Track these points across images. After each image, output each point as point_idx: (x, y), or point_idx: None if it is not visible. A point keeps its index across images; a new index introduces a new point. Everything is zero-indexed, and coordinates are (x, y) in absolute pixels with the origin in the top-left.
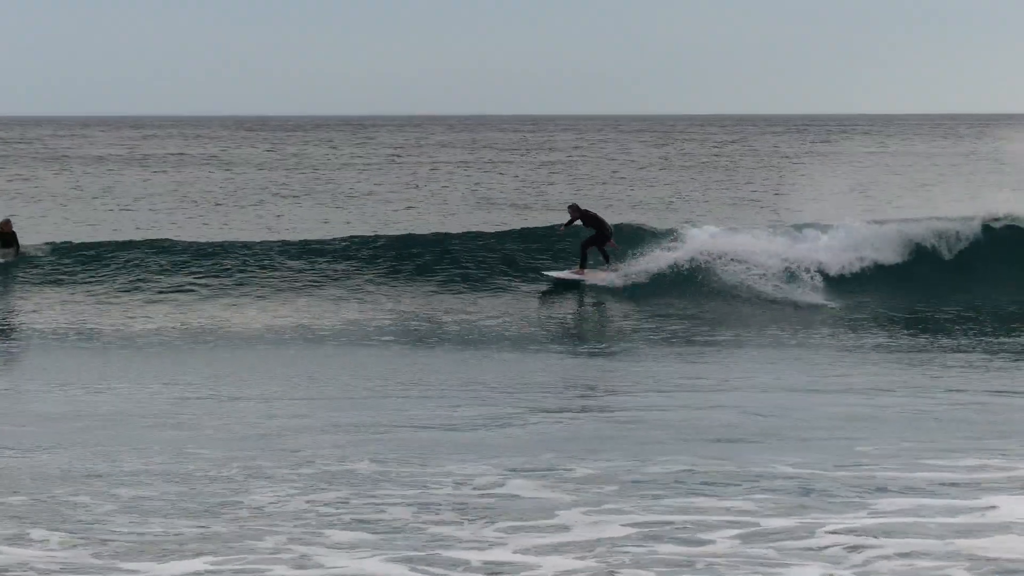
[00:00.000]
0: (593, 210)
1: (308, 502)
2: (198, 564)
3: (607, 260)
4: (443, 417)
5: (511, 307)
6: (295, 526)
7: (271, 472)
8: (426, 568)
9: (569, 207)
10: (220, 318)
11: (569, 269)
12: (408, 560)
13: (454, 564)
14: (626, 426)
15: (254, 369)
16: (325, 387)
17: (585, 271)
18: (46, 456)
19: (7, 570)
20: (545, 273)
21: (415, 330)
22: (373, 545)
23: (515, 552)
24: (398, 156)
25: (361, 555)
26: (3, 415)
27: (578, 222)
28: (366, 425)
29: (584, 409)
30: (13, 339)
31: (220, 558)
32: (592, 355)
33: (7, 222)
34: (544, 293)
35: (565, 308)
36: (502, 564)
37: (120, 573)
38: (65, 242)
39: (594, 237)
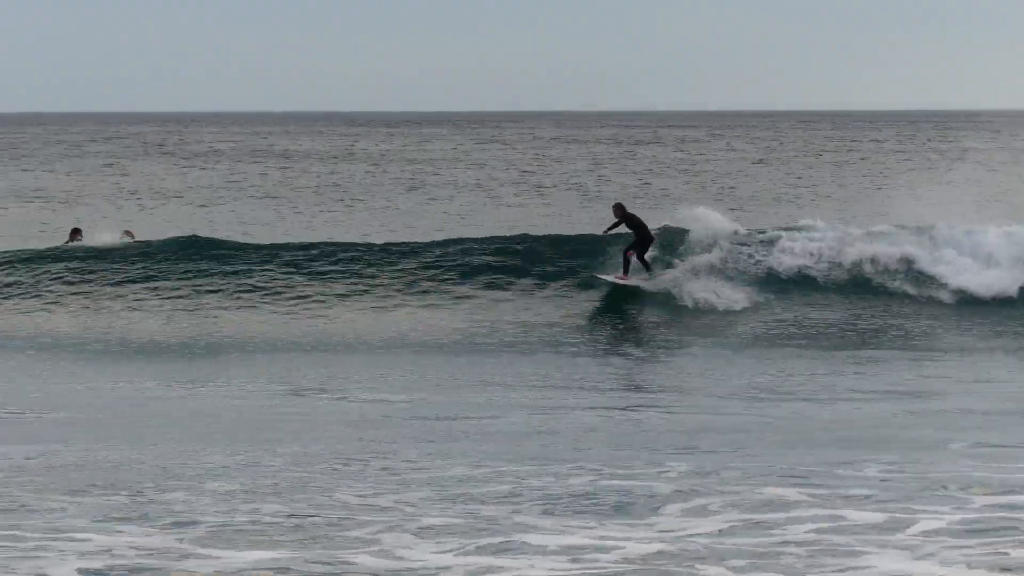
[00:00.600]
0: (638, 215)
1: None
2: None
3: (647, 269)
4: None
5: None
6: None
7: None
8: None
9: (613, 207)
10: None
11: (614, 274)
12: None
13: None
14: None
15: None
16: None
17: (627, 276)
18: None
19: (107, 552)
20: (597, 276)
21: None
22: (459, 534)
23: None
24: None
25: (442, 548)
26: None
27: (621, 228)
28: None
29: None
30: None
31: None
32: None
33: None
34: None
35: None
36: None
37: (201, 559)
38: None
39: (635, 243)
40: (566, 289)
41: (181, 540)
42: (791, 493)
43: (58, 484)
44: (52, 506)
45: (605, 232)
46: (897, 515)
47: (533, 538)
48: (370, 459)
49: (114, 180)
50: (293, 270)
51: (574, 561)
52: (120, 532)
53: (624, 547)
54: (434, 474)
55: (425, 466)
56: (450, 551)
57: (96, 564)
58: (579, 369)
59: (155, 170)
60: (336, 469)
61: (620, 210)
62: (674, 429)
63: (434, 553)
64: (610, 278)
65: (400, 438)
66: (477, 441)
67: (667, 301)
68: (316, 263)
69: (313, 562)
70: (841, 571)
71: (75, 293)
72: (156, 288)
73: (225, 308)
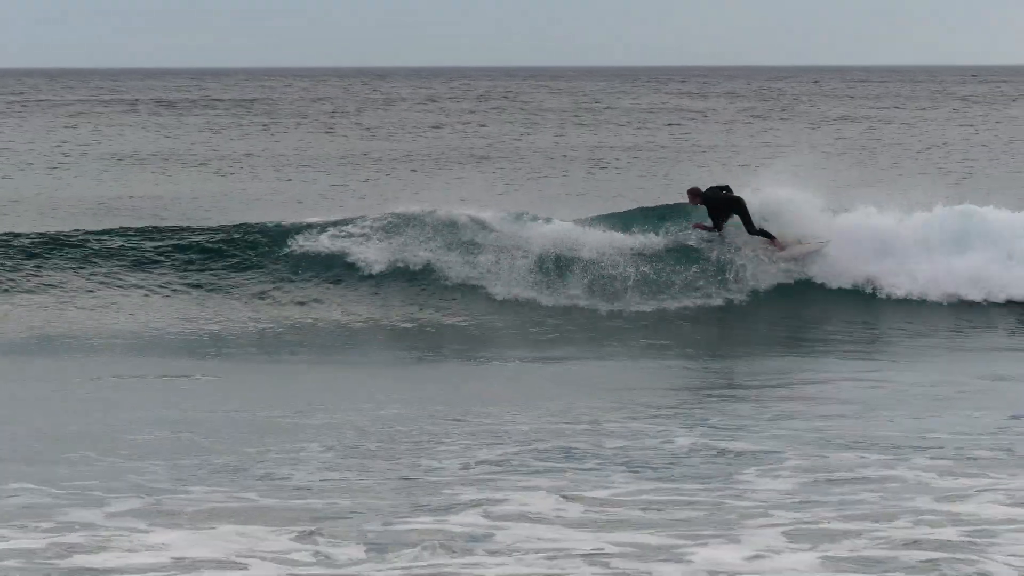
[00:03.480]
0: (716, 186)
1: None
2: None
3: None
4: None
5: None
6: None
7: None
8: None
9: (688, 192)
10: None
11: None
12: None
13: None
14: None
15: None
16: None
17: (776, 240)
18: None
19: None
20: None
21: None
22: None
23: None
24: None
25: None
26: None
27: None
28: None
29: None
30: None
31: None
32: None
33: None
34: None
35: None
36: None
37: None
38: None
39: (745, 216)
40: None
41: None
42: None
43: None
44: None
45: (719, 230)
46: None
47: None
48: None
49: None
50: None
51: None
52: None
53: None
54: None
55: None
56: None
57: None
58: None
59: None
60: None
61: (696, 195)
62: None
63: None
64: (783, 254)
65: None
66: None
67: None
68: None
69: None
70: None
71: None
72: None
73: None
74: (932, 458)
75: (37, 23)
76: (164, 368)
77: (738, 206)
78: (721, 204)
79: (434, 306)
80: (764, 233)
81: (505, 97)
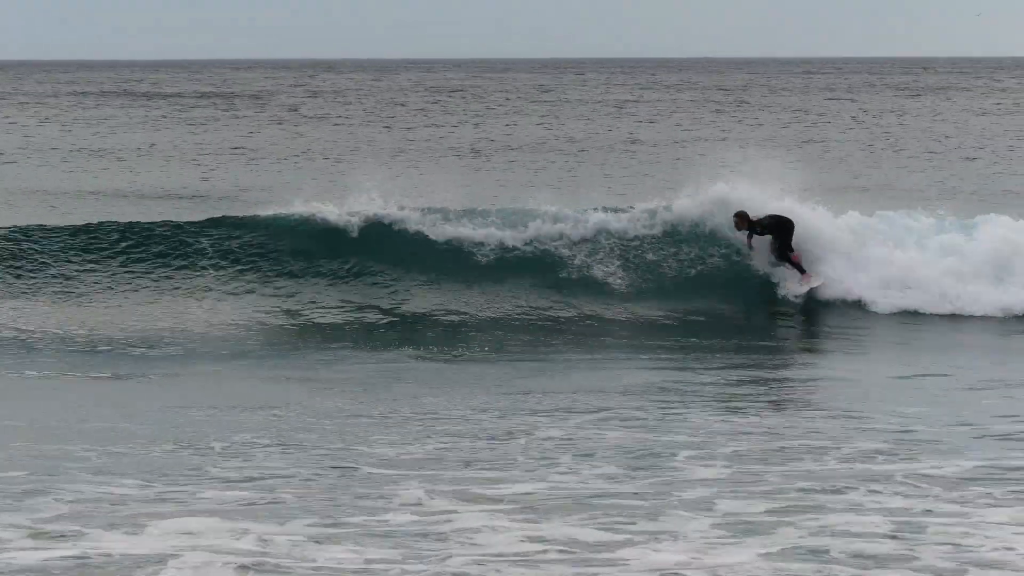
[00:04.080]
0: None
1: None
2: None
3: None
4: None
5: None
6: None
7: None
8: None
9: (736, 215)
10: None
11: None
12: None
13: None
14: None
15: None
16: None
17: (810, 275)
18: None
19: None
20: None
21: None
22: None
23: None
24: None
25: None
26: None
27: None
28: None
29: None
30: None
31: None
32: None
33: None
34: None
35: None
36: None
37: None
38: None
39: (785, 242)
40: None
41: None
42: None
43: None
44: None
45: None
46: None
47: None
48: None
49: None
50: None
51: None
52: None
53: None
54: None
55: None
56: None
57: None
58: None
59: None
60: None
61: (744, 220)
62: None
63: None
64: (805, 286)
65: None
66: None
67: None
68: None
69: None
70: None
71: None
72: None
73: None
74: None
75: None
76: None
77: (784, 229)
78: (771, 227)
79: None
80: (797, 265)
81: (459, 90)
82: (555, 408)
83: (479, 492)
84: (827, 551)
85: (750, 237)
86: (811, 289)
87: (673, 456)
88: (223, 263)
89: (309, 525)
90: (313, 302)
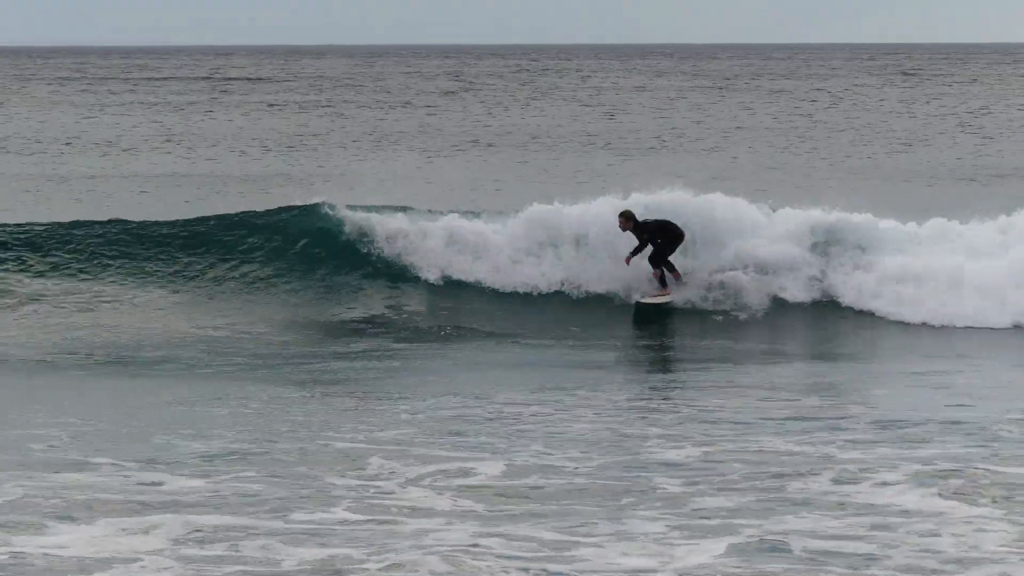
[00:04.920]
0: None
1: None
2: None
3: (672, 271)
4: None
5: None
6: None
7: None
8: None
9: (620, 215)
10: None
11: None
12: None
13: None
14: None
15: None
16: None
17: (668, 289)
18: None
19: None
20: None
21: None
22: None
23: None
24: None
25: None
26: None
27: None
28: None
29: None
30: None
31: None
32: None
33: None
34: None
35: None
36: None
37: None
38: None
39: (666, 250)
40: None
41: None
42: None
43: None
44: None
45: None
46: None
47: None
48: None
49: None
50: None
51: None
52: None
53: None
54: None
55: None
56: None
57: None
58: None
59: None
60: None
61: (629, 220)
62: None
63: None
64: (652, 300)
65: None
66: None
67: None
68: None
69: None
70: None
71: None
72: None
73: None
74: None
75: None
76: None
77: (670, 236)
78: (654, 229)
79: None
80: (660, 279)
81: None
82: None
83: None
84: None
85: (640, 245)
86: (655, 302)
87: None
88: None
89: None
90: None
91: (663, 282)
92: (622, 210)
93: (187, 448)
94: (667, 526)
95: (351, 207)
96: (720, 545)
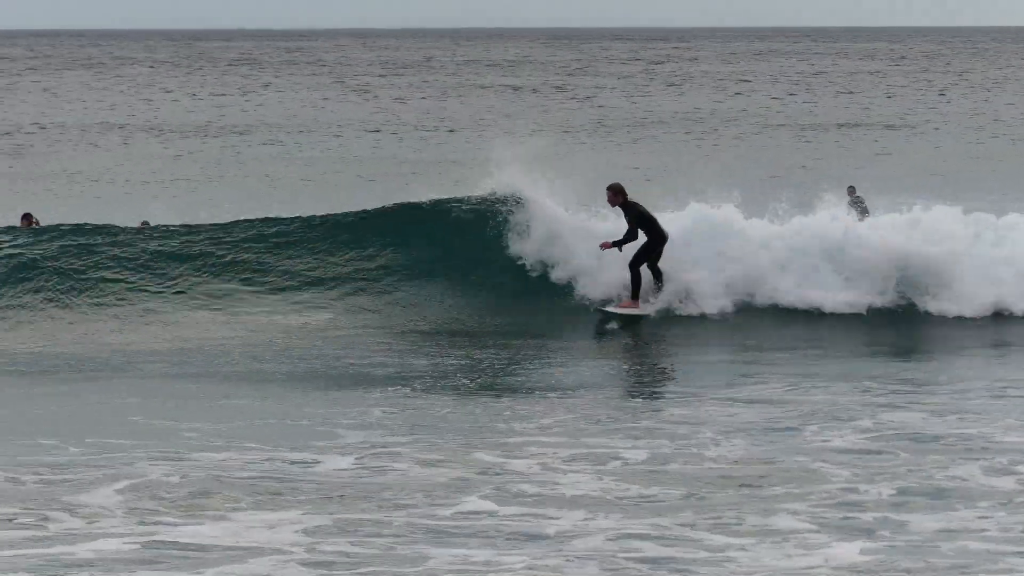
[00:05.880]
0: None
1: None
2: None
3: (658, 279)
4: None
5: None
6: None
7: None
8: None
9: (609, 188)
10: None
11: (614, 303)
12: None
13: None
14: None
15: None
16: None
17: (639, 302)
18: None
19: None
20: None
21: None
22: None
23: None
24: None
25: None
26: None
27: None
28: None
29: None
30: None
31: None
32: None
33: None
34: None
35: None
36: None
37: None
38: None
39: (646, 248)
40: None
41: None
42: None
43: None
44: None
45: (621, 244)
46: None
47: None
48: None
49: None
50: None
51: None
52: None
53: None
54: None
55: None
56: None
57: None
58: None
59: None
60: None
61: (619, 195)
62: None
63: None
64: (618, 309)
65: None
66: None
67: None
68: None
69: None
70: None
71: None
72: None
73: None
74: None
75: None
76: None
77: (654, 235)
78: (641, 214)
79: None
80: (637, 277)
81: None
82: None
83: None
84: None
85: (630, 232)
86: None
87: None
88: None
89: None
90: None
91: (636, 292)
92: (612, 183)
93: (341, 437)
94: (812, 520)
95: None
96: (868, 543)
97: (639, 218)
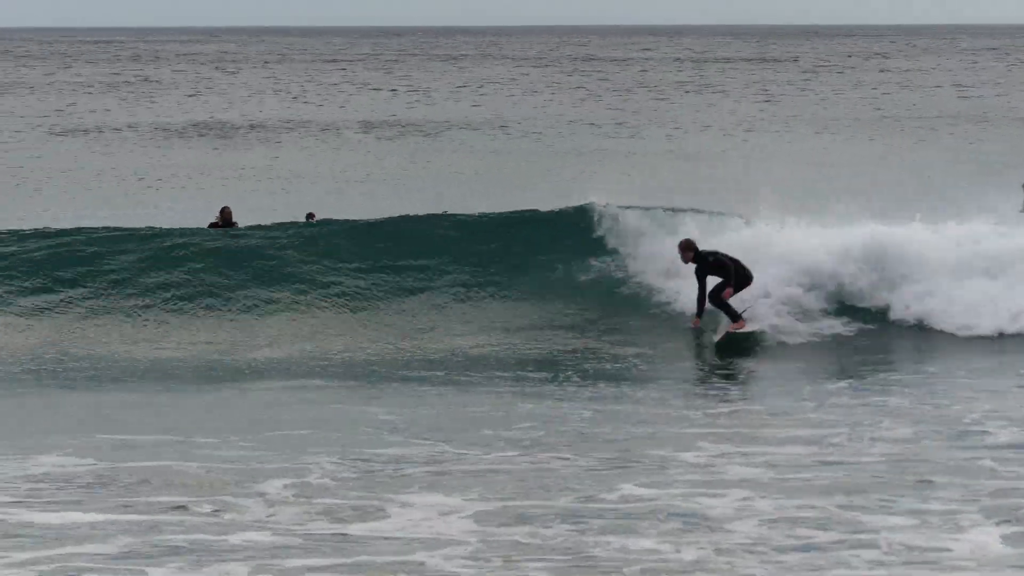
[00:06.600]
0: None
1: None
2: None
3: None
4: None
5: None
6: None
7: None
8: None
9: (679, 246)
10: None
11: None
12: None
13: None
14: None
15: None
16: None
17: (743, 322)
18: None
19: None
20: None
21: None
22: None
23: None
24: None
25: None
26: None
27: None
28: None
29: None
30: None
31: None
32: None
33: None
34: None
35: None
36: None
37: None
38: None
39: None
40: None
41: None
42: None
43: None
44: None
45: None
46: None
47: None
48: None
49: None
50: None
51: None
52: None
53: None
54: None
55: None
56: None
57: None
58: None
59: None
60: None
61: (690, 248)
62: None
63: None
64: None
65: None
66: None
67: None
68: None
69: None
70: None
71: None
72: None
73: None
74: None
75: None
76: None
77: (725, 271)
78: (713, 264)
79: None
80: (727, 308)
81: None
82: None
83: None
84: None
85: (702, 275)
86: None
87: None
88: None
89: None
90: None
91: (735, 316)
92: (681, 240)
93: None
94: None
95: None
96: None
97: (714, 266)
